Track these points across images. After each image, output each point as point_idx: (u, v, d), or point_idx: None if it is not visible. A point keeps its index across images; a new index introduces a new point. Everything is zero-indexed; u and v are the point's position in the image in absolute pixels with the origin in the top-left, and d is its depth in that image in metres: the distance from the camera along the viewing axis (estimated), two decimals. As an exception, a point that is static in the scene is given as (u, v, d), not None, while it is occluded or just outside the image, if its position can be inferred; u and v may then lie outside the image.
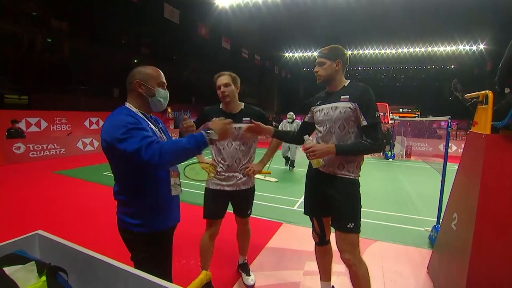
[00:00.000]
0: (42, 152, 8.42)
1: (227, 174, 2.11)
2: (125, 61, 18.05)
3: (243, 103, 2.16)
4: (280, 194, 5.13)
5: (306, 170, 1.98)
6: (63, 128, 10.71)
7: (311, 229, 2.03)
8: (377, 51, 25.21)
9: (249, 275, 2.43)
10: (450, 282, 1.98)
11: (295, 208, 4.50)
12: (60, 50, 14.77)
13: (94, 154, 9.57)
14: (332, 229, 1.84)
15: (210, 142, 1.27)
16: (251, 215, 2.36)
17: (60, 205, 4.29)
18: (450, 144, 3.39)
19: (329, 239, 2.01)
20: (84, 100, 14.11)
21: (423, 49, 23.83)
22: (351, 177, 1.74)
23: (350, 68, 32.71)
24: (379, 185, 6.32)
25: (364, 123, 1.65)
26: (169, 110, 16.81)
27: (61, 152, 8.92)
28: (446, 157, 3.37)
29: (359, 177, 1.79)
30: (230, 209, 2.24)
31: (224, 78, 2.02)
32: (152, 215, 1.35)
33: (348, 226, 1.70)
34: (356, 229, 1.71)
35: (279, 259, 2.82)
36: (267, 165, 2.27)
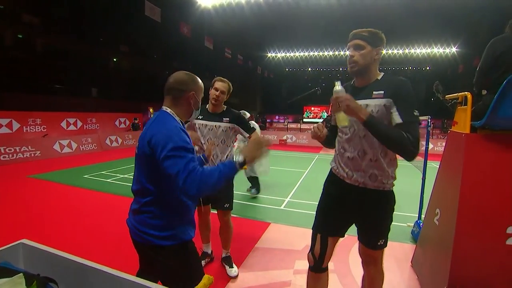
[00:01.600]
0: (14, 155, 7.97)
1: None
2: (104, 58, 17.42)
3: (225, 106, 2.42)
4: (266, 194, 5.15)
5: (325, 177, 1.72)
6: (38, 130, 10.16)
7: (309, 248, 1.70)
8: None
9: (232, 267, 2.54)
10: (434, 275, 2.07)
11: (282, 207, 4.53)
12: (32, 47, 14.01)
13: (72, 157, 9.17)
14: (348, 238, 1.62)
15: (240, 168, 1.23)
16: (236, 215, 2.46)
17: (38, 211, 4.08)
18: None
19: (327, 266, 1.68)
20: (60, 100, 13.47)
21: (400, 51, 24.76)
22: (386, 188, 1.50)
23: (330, 68, 33.54)
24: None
25: (398, 120, 1.32)
26: (151, 110, 16.43)
27: (36, 155, 8.48)
28: (426, 155, 3.52)
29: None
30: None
31: (222, 86, 2.27)
32: (181, 225, 1.30)
33: (379, 243, 1.54)
34: (385, 244, 1.57)
35: (268, 259, 2.83)
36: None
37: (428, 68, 29.85)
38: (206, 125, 2.32)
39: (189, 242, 1.34)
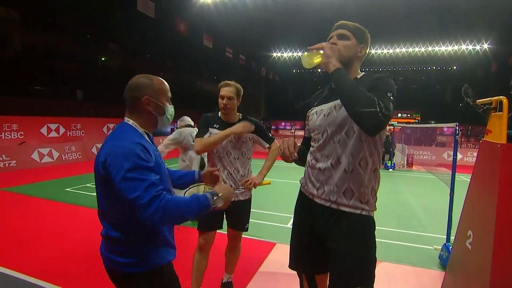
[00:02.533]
0: (-12, 164, 8.04)
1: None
2: (90, 57, 17.69)
3: (240, 114, 2.40)
4: (271, 210, 5.11)
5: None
6: (14, 136, 10.23)
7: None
8: (373, 51, 26.08)
9: None
10: (467, 307, 2.01)
11: (288, 225, 4.48)
12: (8, 43, 14.23)
13: (53, 167, 9.24)
14: None
15: (213, 209, 1.23)
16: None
17: (11, 230, 4.07)
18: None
19: None
20: (40, 103, 13.62)
21: (422, 49, 24.89)
22: (363, 212, 1.35)
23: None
24: (380, 198, 6.35)
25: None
26: (143, 115, 16.53)
27: (11, 165, 8.55)
28: (454, 168, 3.48)
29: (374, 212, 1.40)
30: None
31: (229, 91, 2.22)
32: (153, 248, 1.28)
33: None
34: None
35: (273, 284, 2.79)
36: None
37: (455, 67, 29.88)
38: None
39: (165, 266, 1.31)
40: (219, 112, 2.35)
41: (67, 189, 6.37)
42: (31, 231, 4.02)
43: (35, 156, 9.27)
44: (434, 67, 31.16)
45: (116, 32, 18.18)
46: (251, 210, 2.51)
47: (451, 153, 3.47)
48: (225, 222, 2.40)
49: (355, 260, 1.31)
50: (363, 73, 1.48)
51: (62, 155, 10.05)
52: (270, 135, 2.44)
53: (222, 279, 2.62)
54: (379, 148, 1.40)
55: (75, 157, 10.46)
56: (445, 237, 3.47)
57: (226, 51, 21.12)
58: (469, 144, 18.23)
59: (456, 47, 23.69)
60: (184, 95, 18.30)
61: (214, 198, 1.22)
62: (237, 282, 2.69)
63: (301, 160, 1.59)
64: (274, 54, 28.67)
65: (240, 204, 2.33)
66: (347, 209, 1.35)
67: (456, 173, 3.52)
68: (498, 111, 1.90)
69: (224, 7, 16.43)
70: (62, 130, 11.90)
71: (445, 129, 22.02)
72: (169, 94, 1.39)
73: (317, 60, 1.34)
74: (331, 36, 1.44)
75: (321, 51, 1.32)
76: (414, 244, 3.95)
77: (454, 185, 3.49)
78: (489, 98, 1.99)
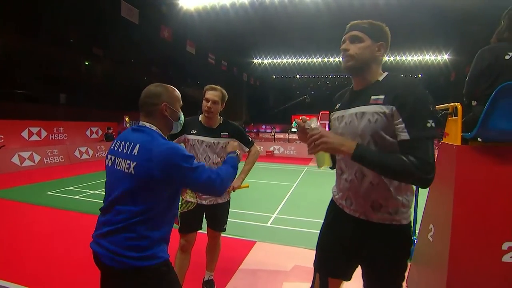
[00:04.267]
0: (-34, 169, 7.58)
1: None
2: (74, 61, 17.11)
3: (221, 118, 2.34)
4: (252, 210, 5.12)
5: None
6: (-6, 140, 9.75)
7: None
8: (347, 59, 26.74)
9: None
10: (429, 295, 2.10)
11: (268, 224, 4.51)
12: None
13: (34, 170, 8.82)
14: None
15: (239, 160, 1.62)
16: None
17: (-10, 233, 3.86)
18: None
19: None
20: (21, 107, 13.01)
21: (391, 58, 25.79)
22: (394, 222, 1.24)
23: (319, 75, 34.35)
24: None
25: (404, 136, 1.12)
26: (127, 119, 16.16)
27: (-9, 169, 8.10)
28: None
29: (410, 215, 1.30)
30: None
31: (214, 95, 2.18)
32: (160, 244, 1.33)
33: None
34: None
35: (253, 282, 2.78)
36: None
37: (420, 75, 31.17)
38: (203, 141, 2.23)
39: (168, 261, 1.36)
40: (200, 116, 2.30)
41: (48, 193, 6.10)
42: (12, 236, 3.82)
43: (15, 159, 8.80)
44: (402, 75, 32.23)
45: (100, 37, 17.70)
46: (232, 210, 2.51)
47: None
48: (204, 221, 2.39)
49: (391, 266, 1.28)
50: (386, 73, 1.31)
51: (44, 158, 9.61)
52: (250, 139, 2.40)
53: (204, 277, 2.59)
54: None
55: (57, 160, 10.03)
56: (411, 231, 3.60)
57: (208, 57, 20.99)
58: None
59: (420, 57, 24.78)
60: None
61: (238, 156, 1.63)
62: (219, 280, 2.67)
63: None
64: (255, 61, 28.82)
65: (218, 206, 2.33)
66: (375, 220, 1.27)
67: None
68: (454, 116, 2.01)
69: (206, 15, 16.38)
70: (44, 133, 11.40)
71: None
72: (181, 102, 1.48)
73: (327, 162, 1.23)
74: (344, 40, 1.30)
75: (322, 152, 1.19)
76: None
77: (418, 184, 3.63)
78: (446, 105, 2.11)
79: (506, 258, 1.74)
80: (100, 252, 1.25)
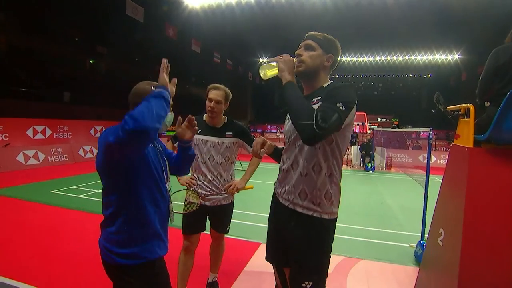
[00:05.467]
0: (-28, 166, 7.71)
1: (209, 191, 2.27)
2: (78, 59, 17.27)
3: (226, 117, 2.35)
4: (256, 211, 5.12)
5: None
6: (-1, 138, 9.88)
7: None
8: (355, 59, 26.63)
9: None
10: (439, 301, 2.07)
11: (274, 226, 4.51)
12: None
13: (39, 169, 8.93)
14: None
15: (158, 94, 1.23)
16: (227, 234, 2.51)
17: (-5, 231, 3.92)
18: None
19: None
20: (26, 105, 13.18)
21: (400, 58, 25.59)
22: (315, 214, 1.39)
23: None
24: (360, 199, 6.54)
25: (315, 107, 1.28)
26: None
27: (-4, 167, 8.22)
28: (428, 170, 3.59)
29: (335, 213, 1.44)
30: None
31: (218, 95, 2.17)
32: (145, 242, 1.32)
33: (304, 285, 1.38)
34: None
35: (258, 284, 2.78)
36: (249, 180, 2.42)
37: (429, 75, 30.88)
38: (207, 141, 2.24)
39: (157, 261, 1.35)
40: (204, 115, 2.31)
41: (52, 191, 6.17)
42: (15, 233, 3.88)
43: (20, 158, 8.93)
44: (410, 75, 32.09)
45: (104, 35, 17.85)
46: (236, 211, 2.51)
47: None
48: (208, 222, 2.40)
49: (305, 255, 1.39)
50: (330, 81, 1.50)
51: (48, 157, 9.73)
52: (254, 139, 2.42)
53: (208, 279, 2.60)
54: (336, 155, 1.40)
55: (61, 159, 10.15)
56: (420, 235, 3.58)
57: (214, 56, 21.07)
58: (442, 148, 18.83)
59: (430, 57, 24.53)
60: (174, 99, 18.05)
61: (156, 88, 1.26)
62: (223, 282, 2.68)
63: (278, 158, 1.66)
64: (261, 60, 28.79)
65: (222, 208, 2.34)
66: (300, 210, 1.41)
67: (430, 175, 3.63)
68: (466, 117, 1.98)
69: (212, 13, 16.42)
70: (48, 132, 11.52)
71: (421, 133, 22.68)
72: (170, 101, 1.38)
73: (272, 72, 1.40)
74: (300, 46, 1.49)
75: (275, 64, 1.38)
76: (392, 242, 4.04)
77: (428, 186, 3.60)
78: (458, 106, 2.08)
79: (519, 264, 1.71)
80: (99, 246, 1.33)
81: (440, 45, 21.74)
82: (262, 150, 1.60)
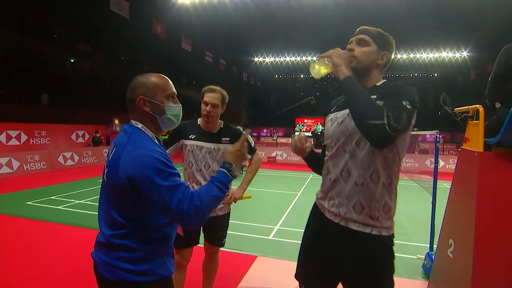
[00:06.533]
0: None
1: None
2: (58, 58, 17.15)
3: (222, 122, 2.32)
4: (252, 222, 5.10)
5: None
6: (-32, 145, 9.77)
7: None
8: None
9: None
10: (450, 318, 2.07)
11: (270, 237, 4.48)
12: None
13: (12, 178, 8.80)
14: None
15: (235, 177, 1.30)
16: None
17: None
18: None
19: None
20: (-1, 108, 13.05)
21: (404, 56, 25.88)
22: (373, 231, 1.31)
23: (325, 76, 34.10)
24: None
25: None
26: (116, 121, 16.20)
27: (-34, 176, 8.10)
28: (435, 176, 3.61)
29: (392, 229, 1.36)
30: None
31: (214, 98, 2.15)
32: (160, 258, 1.29)
33: None
34: None
35: (255, 303, 2.76)
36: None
37: (436, 74, 31.25)
38: (202, 147, 2.21)
39: (169, 278, 1.34)
40: (199, 120, 2.29)
41: (28, 203, 6.08)
42: (-13, 249, 3.80)
43: (-8, 166, 8.83)
44: (415, 74, 32.45)
45: (86, 32, 17.79)
46: (231, 221, 2.49)
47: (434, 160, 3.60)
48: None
49: (368, 283, 1.33)
50: (384, 80, 1.45)
51: (24, 164, 9.60)
52: (252, 146, 2.38)
53: None
54: (397, 161, 1.34)
55: (38, 167, 10.02)
56: (428, 246, 3.58)
57: (206, 55, 21.14)
58: (451, 151, 19.00)
59: (436, 54, 24.82)
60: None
61: (230, 171, 1.27)
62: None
63: (313, 162, 1.60)
64: (256, 59, 28.97)
65: (218, 219, 2.30)
66: (356, 227, 1.32)
67: (438, 180, 3.65)
68: (475, 120, 2.00)
69: (203, 10, 16.49)
70: (24, 137, 11.41)
71: (428, 136, 22.88)
72: (171, 91, 1.32)
73: (324, 70, 1.35)
74: (350, 41, 1.43)
75: (326, 60, 1.33)
76: (398, 254, 3.96)
77: (436, 193, 3.61)
78: (467, 107, 2.10)
79: (535, 276, 1.72)
80: (97, 261, 1.27)
81: (447, 41, 21.99)
82: (308, 144, 1.52)
